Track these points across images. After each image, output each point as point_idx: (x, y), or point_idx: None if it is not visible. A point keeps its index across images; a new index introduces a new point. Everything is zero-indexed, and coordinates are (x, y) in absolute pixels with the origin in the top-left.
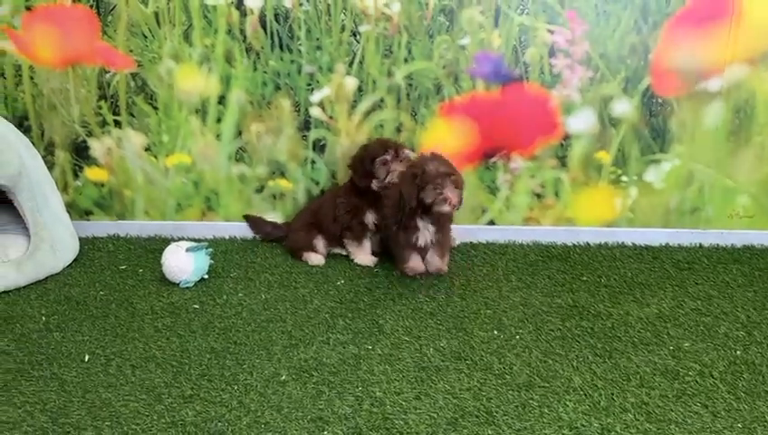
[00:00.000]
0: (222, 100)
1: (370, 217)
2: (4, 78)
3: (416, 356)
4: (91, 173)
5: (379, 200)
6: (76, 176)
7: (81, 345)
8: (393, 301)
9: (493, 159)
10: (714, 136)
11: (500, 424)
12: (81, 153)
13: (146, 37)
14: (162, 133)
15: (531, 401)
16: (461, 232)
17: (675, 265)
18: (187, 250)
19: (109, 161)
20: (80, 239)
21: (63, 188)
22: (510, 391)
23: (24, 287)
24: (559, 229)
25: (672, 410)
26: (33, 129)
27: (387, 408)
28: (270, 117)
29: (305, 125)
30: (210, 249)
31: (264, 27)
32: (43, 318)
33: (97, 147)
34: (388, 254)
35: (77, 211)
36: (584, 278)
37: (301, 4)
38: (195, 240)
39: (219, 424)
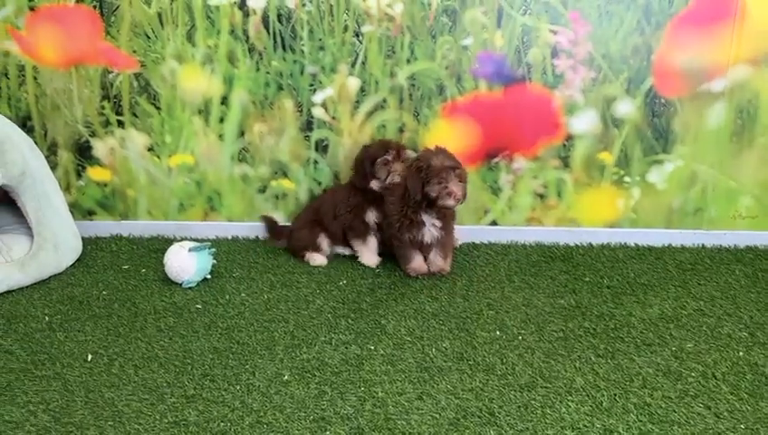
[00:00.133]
0: (225, 100)
1: (371, 216)
2: (8, 78)
3: (418, 356)
4: (94, 173)
5: (380, 200)
6: (79, 176)
7: (83, 345)
8: (395, 301)
9: (495, 160)
10: (717, 137)
11: (502, 425)
12: (84, 153)
13: (149, 38)
14: (165, 133)
15: (533, 402)
16: (463, 232)
17: (677, 266)
18: (190, 250)
19: (112, 161)
20: (83, 239)
21: (66, 188)
22: (512, 392)
23: (27, 287)
24: (561, 230)
25: (675, 411)
26: (36, 129)
27: (389, 408)
28: (273, 117)
29: (308, 125)
30: (213, 249)
31: (266, 28)
32: (46, 318)
33: (100, 147)
34: (391, 254)
35: (80, 211)
36: (587, 279)
37: (303, 5)
38: (197, 240)
39: (222, 424)
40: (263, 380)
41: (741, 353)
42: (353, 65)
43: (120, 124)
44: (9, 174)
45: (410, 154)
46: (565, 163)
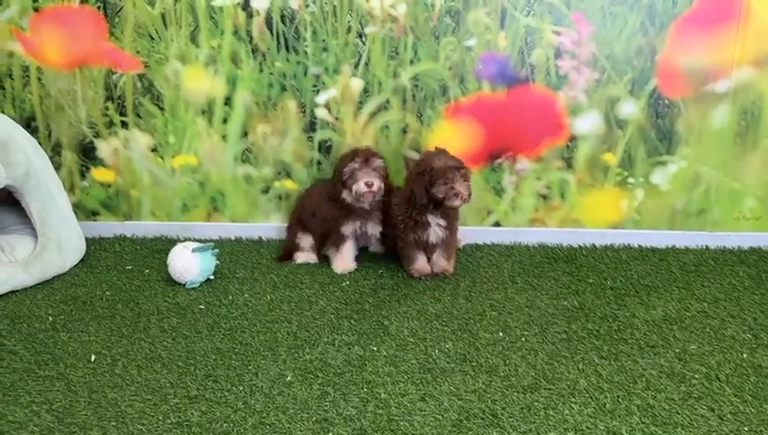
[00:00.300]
0: (228, 101)
1: (348, 229)
2: (12, 79)
3: (421, 358)
4: (98, 174)
5: (358, 209)
6: (83, 176)
7: (87, 345)
8: (398, 302)
9: (498, 161)
10: (720, 138)
11: (505, 426)
12: (87, 154)
13: (152, 38)
14: (168, 134)
15: (536, 404)
16: (467, 233)
17: (681, 268)
18: (193, 251)
19: (115, 162)
20: (86, 240)
21: (70, 189)
22: (515, 393)
23: (30, 287)
24: (565, 231)
25: (678, 413)
26: (40, 129)
27: (392, 409)
28: (276, 118)
29: (311, 126)
30: (216, 250)
31: (270, 29)
32: (50, 318)
33: (104, 148)
34: (394, 255)
35: (84, 212)
36: (590, 280)
37: (307, 6)
38: (201, 241)
39: (225, 425)
40: (266, 380)
41: (745, 355)
42: (356, 66)
43: (124, 125)
44: (13, 174)
45: (380, 162)
46: (568, 164)
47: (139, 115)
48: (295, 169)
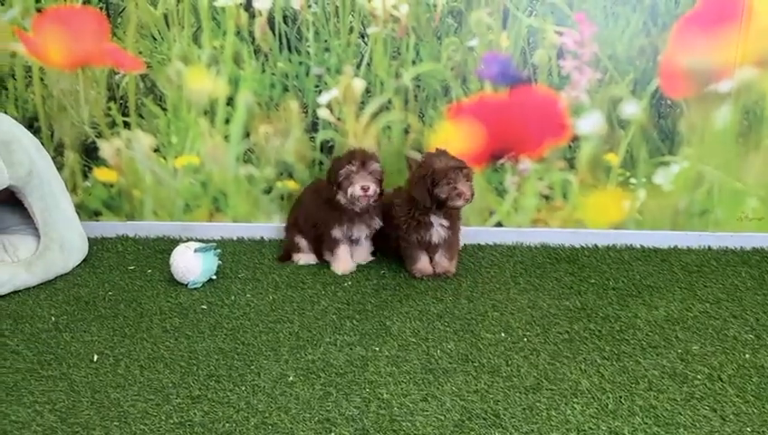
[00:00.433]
0: (230, 101)
1: (339, 232)
2: (15, 79)
3: (423, 358)
4: (101, 174)
5: (351, 212)
6: (85, 177)
7: (89, 345)
8: (400, 302)
9: (501, 161)
10: (723, 138)
11: (507, 426)
12: (90, 154)
13: (155, 39)
14: (171, 134)
15: (538, 404)
16: (469, 233)
17: (683, 268)
18: (196, 251)
19: (118, 162)
20: (89, 240)
21: (73, 189)
22: (517, 394)
23: (33, 287)
24: (567, 231)
25: (680, 414)
26: (42, 130)
27: (394, 410)
28: (278, 118)
29: (313, 126)
30: (218, 250)
31: (272, 29)
32: (53, 318)
33: (106, 148)
34: (396, 256)
35: (86, 212)
36: (592, 281)
37: (309, 6)
38: (203, 241)
39: (227, 425)
40: (268, 381)
41: (747, 356)
42: (359, 66)
43: (127, 125)
44: (16, 174)
45: (377, 166)
46: (571, 164)
47: (141, 115)
48: (297, 170)
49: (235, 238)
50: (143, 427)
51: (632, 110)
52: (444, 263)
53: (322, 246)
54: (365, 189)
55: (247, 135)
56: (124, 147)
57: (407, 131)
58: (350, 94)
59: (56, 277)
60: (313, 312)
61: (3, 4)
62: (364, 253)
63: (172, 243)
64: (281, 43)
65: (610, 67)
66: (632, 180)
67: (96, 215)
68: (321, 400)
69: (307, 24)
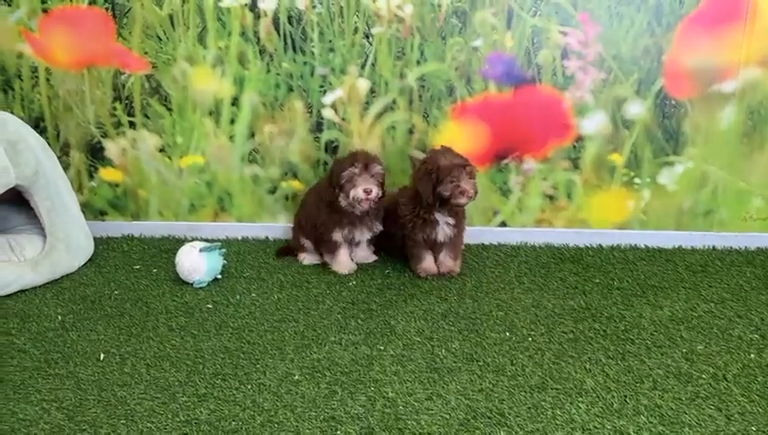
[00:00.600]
0: (235, 101)
1: (339, 235)
2: (21, 80)
3: (428, 357)
4: (106, 174)
5: (350, 214)
6: (91, 176)
7: (96, 344)
8: (405, 302)
9: (505, 161)
10: (727, 138)
11: (512, 425)
12: (96, 154)
13: (160, 39)
14: (176, 134)
15: (543, 403)
16: (473, 233)
17: (688, 268)
18: (201, 250)
19: (123, 162)
20: (94, 239)
21: (78, 189)
22: (522, 393)
23: (40, 286)
24: (571, 231)
25: (685, 413)
26: (48, 130)
27: (399, 408)
28: (283, 118)
29: (318, 127)
30: (223, 250)
31: (277, 29)
32: (59, 317)
33: (112, 148)
34: (400, 255)
35: (92, 211)
36: (597, 280)
37: (314, 7)
38: (208, 240)
39: (233, 423)
40: (273, 379)
41: (752, 355)
42: (363, 67)
43: (132, 125)
44: (23, 174)
45: (380, 169)
46: (575, 164)
47: (146, 115)
48: (302, 170)
49: (239, 238)
50: (150, 425)
51: (637, 110)
52: (448, 262)
53: (322, 247)
54: (367, 192)
55: (252, 135)
56: (129, 147)
57: (411, 131)
58: (355, 94)
59: (62, 277)
60: (318, 311)
61: (9, 5)
62: (365, 253)
63: (177, 242)
64: (285, 43)
65: (615, 67)
66: (636, 180)
67: (102, 214)
68: (327, 398)
69: (312, 25)
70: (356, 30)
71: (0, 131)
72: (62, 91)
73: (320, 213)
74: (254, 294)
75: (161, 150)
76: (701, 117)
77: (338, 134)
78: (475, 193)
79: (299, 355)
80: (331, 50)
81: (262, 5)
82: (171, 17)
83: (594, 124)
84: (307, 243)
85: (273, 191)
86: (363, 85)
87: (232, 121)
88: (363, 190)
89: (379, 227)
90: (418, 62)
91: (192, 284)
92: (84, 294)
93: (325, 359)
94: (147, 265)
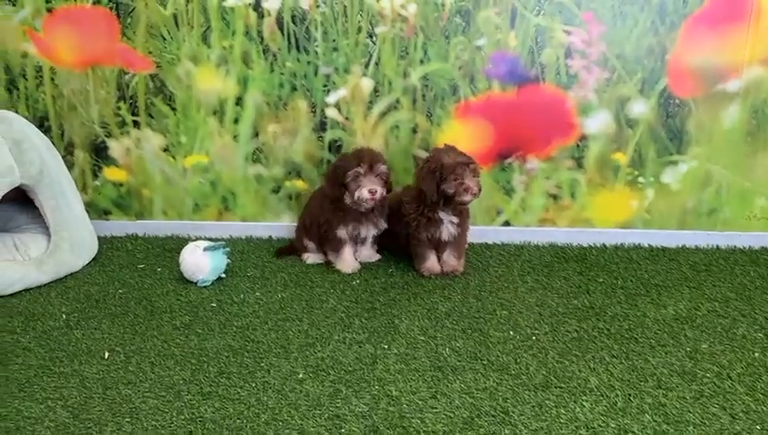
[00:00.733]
0: (239, 101)
1: (343, 232)
2: (26, 79)
3: (432, 356)
4: (110, 173)
5: (354, 212)
6: (95, 176)
7: (100, 342)
8: (409, 301)
9: (508, 160)
10: (731, 137)
11: (516, 424)
12: (100, 153)
13: (164, 39)
14: (180, 134)
15: (547, 402)
16: (476, 233)
17: (691, 267)
18: (205, 249)
19: (127, 162)
20: (99, 238)
21: (83, 188)
22: (526, 392)
23: (44, 285)
24: (575, 230)
25: (690, 412)
26: (53, 129)
27: (403, 407)
28: (286, 118)
29: (321, 126)
30: (227, 249)
31: (281, 29)
32: (64, 316)
33: (116, 147)
34: (404, 254)
35: (96, 211)
36: (600, 280)
37: (318, 6)
38: (212, 240)
39: (238, 421)
40: (278, 377)
41: (756, 354)
42: (367, 66)
43: (136, 125)
44: (27, 173)
45: (384, 168)
46: (579, 164)
47: (150, 115)
48: (306, 169)
49: (243, 237)
50: (154, 423)
51: (640, 109)
52: (452, 262)
53: (326, 245)
54: (372, 193)
55: (256, 135)
56: (134, 146)
57: (414, 131)
58: (359, 94)
59: (67, 275)
60: (322, 310)
61: (14, 5)
62: (368, 252)
63: (181, 242)
64: (289, 42)
65: (618, 66)
66: (640, 180)
67: (106, 214)
68: (331, 397)
69: (315, 24)
70: (359, 29)
71: (5, 131)
72: (66, 91)
73: (324, 211)
74: (258, 293)
75: (165, 150)
76: (705, 116)
77: (341, 133)
78: (479, 191)
79: (303, 354)
80: (335, 49)
81: (266, 5)
82: (175, 17)
83: (598, 123)
84: (310, 244)
85: (276, 191)
86: (367, 84)
87: (236, 121)
88: (368, 191)
89: (384, 225)
90: (422, 62)
91: (196, 283)
92: (89, 293)
93: (329, 358)
94: (151, 265)
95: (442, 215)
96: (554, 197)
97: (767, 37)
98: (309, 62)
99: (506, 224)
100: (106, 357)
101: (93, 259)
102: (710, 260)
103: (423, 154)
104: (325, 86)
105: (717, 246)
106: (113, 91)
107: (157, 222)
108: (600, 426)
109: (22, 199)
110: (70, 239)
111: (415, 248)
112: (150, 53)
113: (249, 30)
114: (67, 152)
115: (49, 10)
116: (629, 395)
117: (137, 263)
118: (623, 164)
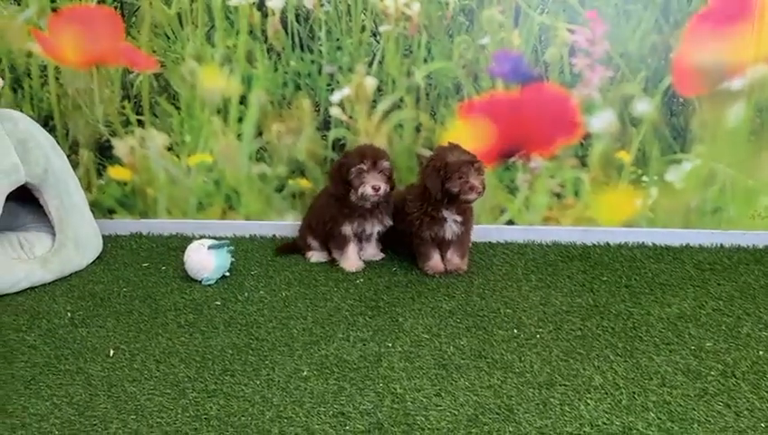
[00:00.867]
0: (243, 100)
1: (348, 229)
2: (31, 78)
3: (436, 354)
4: (115, 172)
5: (360, 209)
6: (100, 175)
7: (105, 340)
8: (413, 299)
9: (512, 159)
10: (735, 136)
11: (520, 421)
12: (104, 152)
13: (169, 38)
14: (184, 133)
15: (551, 399)
16: (480, 231)
17: (696, 266)
18: (209, 248)
19: (132, 161)
20: (103, 237)
21: (87, 187)
22: (530, 389)
23: (49, 284)
24: (578, 229)
25: (694, 410)
26: (57, 128)
27: (407, 404)
28: (290, 117)
29: (325, 125)
30: (231, 247)
31: (284, 28)
32: (69, 314)
33: (120, 146)
34: (408, 253)
35: (100, 210)
36: (604, 278)
37: (321, 5)
38: (216, 238)
39: (243, 418)
40: (282, 375)
41: (761, 352)
42: (370, 65)
43: (140, 124)
44: (32, 172)
45: (387, 164)
46: (582, 162)
47: (155, 114)
48: (309, 168)
49: (247, 236)
50: (159, 420)
51: (644, 107)
52: (456, 260)
53: (331, 243)
54: (376, 189)
55: (260, 133)
56: (138, 145)
57: (418, 130)
58: (362, 93)
59: (71, 274)
60: (326, 308)
61: (19, 5)
62: (373, 250)
63: (185, 240)
64: (293, 41)
65: (622, 65)
66: (644, 178)
67: (110, 213)
68: (336, 394)
69: (319, 23)
70: (363, 28)
71: (10, 130)
72: (71, 90)
73: (329, 208)
74: (262, 292)
75: (169, 149)
76: (709, 115)
77: (345, 132)
78: (484, 189)
79: (307, 352)
80: (339, 48)
81: (269, 4)
82: (179, 16)
83: (602, 122)
84: (314, 243)
85: (280, 189)
86: (371, 83)
87: (240, 120)
88: (372, 187)
89: (389, 222)
90: (426, 61)
91: (200, 281)
92: (93, 292)
93: (333, 355)
94: (155, 263)
95: (446, 213)
96: (558, 195)
97: None
98: (313, 61)
99: (510, 223)
100: (111, 355)
101: (98, 258)
102: (714, 259)
103: (427, 153)
104: (329, 85)
105: (721, 245)
106: (118, 90)
107: (161, 221)
108: (604, 424)
109: (27, 198)
110: (74, 238)
111: (418, 247)
112: (155, 52)
113: (253, 29)
114: (72, 151)
115: (54, 9)
116: (634, 393)
117: (141, 261)
118: (627, 163)
